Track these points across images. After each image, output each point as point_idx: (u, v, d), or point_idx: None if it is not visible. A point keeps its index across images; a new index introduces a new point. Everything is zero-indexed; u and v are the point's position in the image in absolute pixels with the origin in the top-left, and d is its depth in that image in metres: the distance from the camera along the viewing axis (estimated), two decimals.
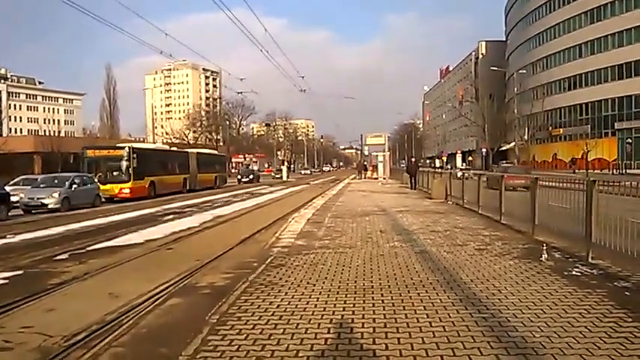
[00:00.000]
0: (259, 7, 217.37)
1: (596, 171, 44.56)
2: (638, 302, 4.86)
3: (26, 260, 8.90)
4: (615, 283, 5.59)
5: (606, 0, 53.55)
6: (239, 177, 49.40)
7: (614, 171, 43.61)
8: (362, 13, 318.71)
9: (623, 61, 51.54)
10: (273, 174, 67.97)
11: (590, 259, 6.68)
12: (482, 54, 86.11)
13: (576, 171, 40.21)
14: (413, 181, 26.84)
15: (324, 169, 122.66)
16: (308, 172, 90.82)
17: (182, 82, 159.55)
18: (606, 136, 53.81)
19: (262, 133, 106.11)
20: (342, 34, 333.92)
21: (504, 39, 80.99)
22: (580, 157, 49.13)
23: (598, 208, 6.63)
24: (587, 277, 5.91)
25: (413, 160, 33.62)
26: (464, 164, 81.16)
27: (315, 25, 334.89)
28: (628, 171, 42.57)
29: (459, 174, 18.52)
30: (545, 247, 7.25)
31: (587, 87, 56.90)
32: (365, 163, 51.14)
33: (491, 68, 66.28)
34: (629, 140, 50.34)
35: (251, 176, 46.59)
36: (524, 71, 63.51)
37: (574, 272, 6.15)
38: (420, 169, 30.24)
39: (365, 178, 44.87)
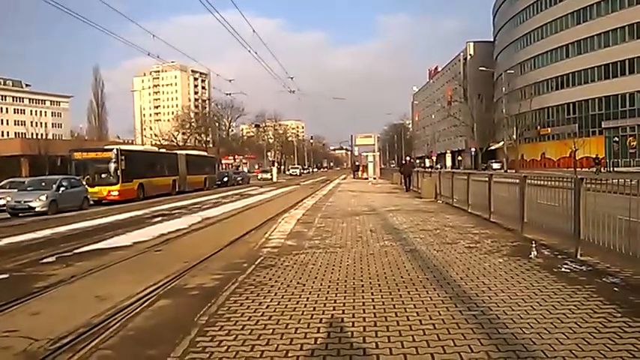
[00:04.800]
0: (252, 9, 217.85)
1: (584, 169, 44.98)
2: (627, 298, 4.89)
3: (12, 264, 8.78)
4: (604, 279, 5.62)
5: (592, 1, 54.15)
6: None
7: (602, 169, 44.04)
8: (354, 14, 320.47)
9: (610, 61, 52.18)
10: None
11: (578, 256, 6.70)
12: (470, 54, 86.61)
13: (600, 171, 39.15)
14: (407, 182, 24.70)
15: (291, 171, 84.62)
16: (267, 175, 58.29)
17: (171, 84, 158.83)
18: (594, 134, 54.40)
19: (252, 134, 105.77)
20: (335, 35, 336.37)
21: (492, 40, 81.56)
22: (568, 155, 49.57)
23: (586, 205, 6.66)
24: (576, 274, 5.93)
25: (407, 159, 30.06)
26: (461, 165, 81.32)
27: (308, 26, 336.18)
28: (615, 169, 43.04)
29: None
30: (534, 245, 7.28)
31: (575, 86, 57.49)
32: (357, 163, 51.19)
33: (480, 68, 66.72)
34: (616, 139, 50.92)
35: (225, 179, 45.91)
36: (512, 71, 63.95)
37: (563, 269, 6.17)
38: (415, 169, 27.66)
39: (357, 177, 44.98)
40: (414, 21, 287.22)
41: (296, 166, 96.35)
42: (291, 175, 78.75)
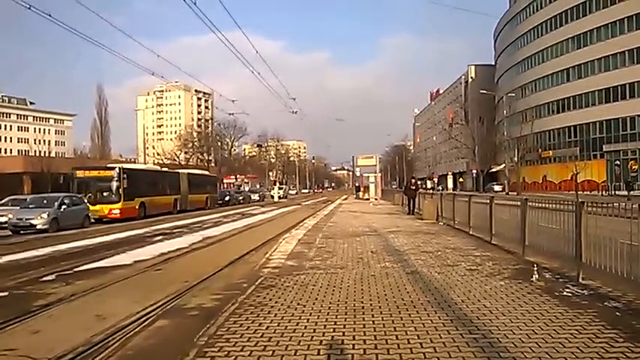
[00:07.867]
0: (259, 31, 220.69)
1: (585, 192, 44.93)
2: (629, 322, 4.86)
3: (12, 282, 8.75)
4: (606, 304, 5.59)
5: (592, 26, 54.74)
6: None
7: (603, 192, 43.99)
8: (357, 36, 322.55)
9: (610, 85, 52.52)
10: None
11: (580, 280, 6.67)
12: (471, 77, 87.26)
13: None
14: (412, 204, 22.96)
15: (273, 192, 60.56)
16: (255, 197, 55.21)
17: (174, 104, 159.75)
18: (595, 158, 54.41)
19: (254, 154, 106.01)
20: (337, 57, 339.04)
21: (493, 63, 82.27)
22: (569, 178, 49.53)
23: (587, 229, 6.65)
24: (578, 298, 5.90)
25: (413, 180, 26.12)
26: (458, 187, 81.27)
27: (310, 48, 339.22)
28: (617, 192, 42.97)
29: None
30: (535, 268, 7.24)
31: (576, 110, 57.77)
32: (358, 184, 51.22)
33: (481, 91, 67.07)
34: (618, 162, 50.93)
35: (227, 198, 46.05)
36: (514, 94, 64.34)
37: (565, 293, 6.14)
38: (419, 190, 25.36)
39: (359, 198, 45.02)
40: (417, 43, 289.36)
41: (281, 186, 73.00)
42: (272, 197, 59.57)
